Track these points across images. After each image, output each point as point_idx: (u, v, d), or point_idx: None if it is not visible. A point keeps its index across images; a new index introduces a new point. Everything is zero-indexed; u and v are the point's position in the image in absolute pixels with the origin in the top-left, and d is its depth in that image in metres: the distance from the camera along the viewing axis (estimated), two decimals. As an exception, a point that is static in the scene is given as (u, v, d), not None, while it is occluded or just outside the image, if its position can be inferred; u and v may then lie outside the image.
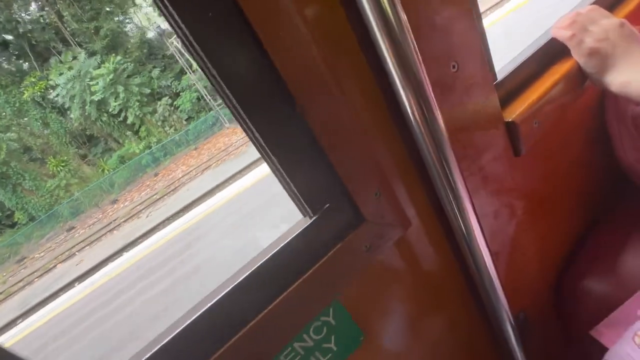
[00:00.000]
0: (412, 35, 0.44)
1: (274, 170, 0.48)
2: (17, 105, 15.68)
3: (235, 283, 0.47)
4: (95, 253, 9.90)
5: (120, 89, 15.45)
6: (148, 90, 16.26)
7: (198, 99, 16.61)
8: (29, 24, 16.13)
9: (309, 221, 0.51)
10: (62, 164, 16.41)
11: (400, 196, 0.54)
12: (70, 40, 16.58)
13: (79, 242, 11.84)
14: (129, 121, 16.31)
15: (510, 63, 0.63)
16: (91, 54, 16.26)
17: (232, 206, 6.71)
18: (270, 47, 0.41)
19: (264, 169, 6.80)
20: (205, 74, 0.42)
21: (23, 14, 16.24)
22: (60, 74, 15.61)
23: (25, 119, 16.23)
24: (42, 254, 12.99)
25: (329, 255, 0.50)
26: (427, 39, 0.48)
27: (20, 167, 15.63)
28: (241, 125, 0.45)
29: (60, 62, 16.27)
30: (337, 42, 0.46)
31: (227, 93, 0.42)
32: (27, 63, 16.79)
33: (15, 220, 16.18)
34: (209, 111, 16.18)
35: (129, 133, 16.92)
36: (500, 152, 0.61)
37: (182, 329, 0.44)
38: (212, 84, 0.43)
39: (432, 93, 0.47)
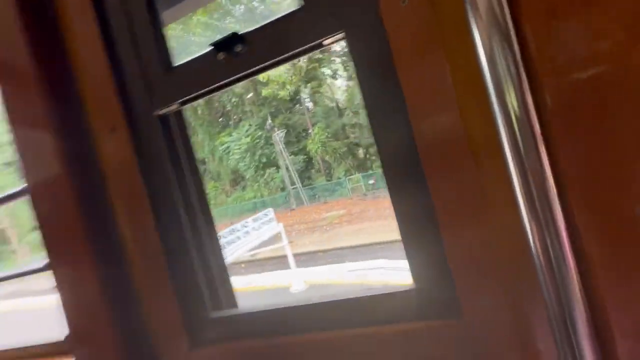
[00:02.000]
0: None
1: None
2: (211, 147, 25.38)
3: (334, 301, 0.62)
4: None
5: (248, 154, 21.81)
6: (265, 160, 21.84)
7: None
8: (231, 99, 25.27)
9: (410, 285, 0.56)
10: (213, 188, 24.84)
11: (507, 322, 0.48)
12: (249, 114, 24.70)
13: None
14: (247, 177, 22.62)
15: None
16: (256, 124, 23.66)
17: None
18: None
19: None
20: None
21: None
22: (231, 135, 23.90)
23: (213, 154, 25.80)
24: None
25: (411, 325, 0.54)
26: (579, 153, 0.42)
27: (195, 183, 25.30)
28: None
29: (242, 126, 24.69)
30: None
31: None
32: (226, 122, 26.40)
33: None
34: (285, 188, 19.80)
35: (249, 184, 23.28)
36: None
37: (324, 303, 0.63)
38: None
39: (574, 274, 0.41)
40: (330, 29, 0.57)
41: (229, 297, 0.73)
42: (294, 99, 22.12)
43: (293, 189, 19.19)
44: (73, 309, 0.74)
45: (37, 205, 0.75)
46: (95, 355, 0.73)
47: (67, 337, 0.76)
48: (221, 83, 0.66)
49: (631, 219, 0.41)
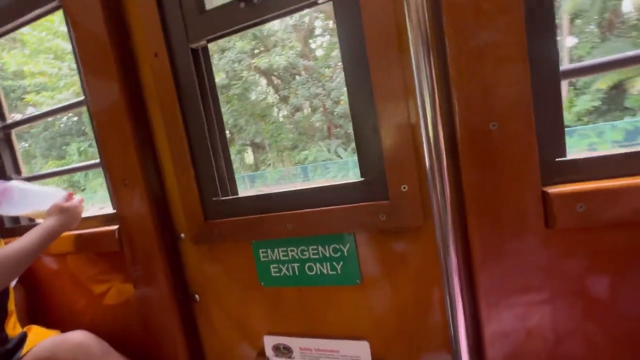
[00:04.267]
0: (435, 92, 0.60)
1: (355, 131, 0.75)
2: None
3: (311, 188, 0.82)
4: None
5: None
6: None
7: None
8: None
9: (359, 179, 0.77)
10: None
11: (416, 200, 0.71)
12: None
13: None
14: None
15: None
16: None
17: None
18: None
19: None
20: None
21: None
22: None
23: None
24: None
25: (359, 204, 0.77)
26: (465, 95, 0.61)
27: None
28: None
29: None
30: None
31: None
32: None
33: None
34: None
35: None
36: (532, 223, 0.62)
37: (293, 193, 0.85)
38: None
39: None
40: None
41: (233, 186, 0.96)
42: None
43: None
44: (121, 199, 0.99)
45: (95, 114, 0.96)
46: (136, 223, 0.98)
47: (115, 212, 1.03)
48: (239, 26, 0.82)
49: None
